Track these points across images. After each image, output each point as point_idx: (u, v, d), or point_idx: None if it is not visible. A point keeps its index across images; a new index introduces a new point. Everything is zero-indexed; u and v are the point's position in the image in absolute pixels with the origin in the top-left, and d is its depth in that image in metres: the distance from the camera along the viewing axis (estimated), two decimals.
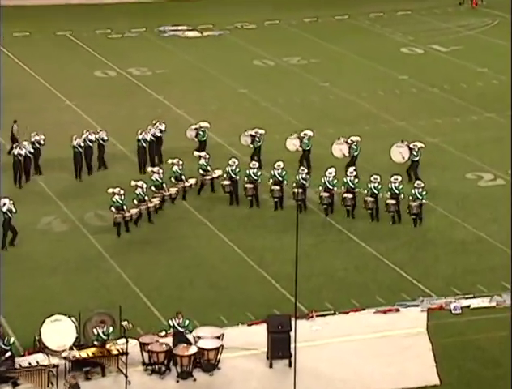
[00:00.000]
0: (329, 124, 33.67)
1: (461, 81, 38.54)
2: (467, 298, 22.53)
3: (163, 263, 24.36)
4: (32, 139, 29.10)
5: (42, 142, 29.17)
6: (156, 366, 19.74)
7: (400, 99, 36.74)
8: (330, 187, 26.47)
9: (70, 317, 20.20)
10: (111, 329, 19.85)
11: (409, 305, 22.29)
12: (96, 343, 19.73)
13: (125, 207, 25.37)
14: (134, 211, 25.68)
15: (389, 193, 26.24)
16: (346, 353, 20.45)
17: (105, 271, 23.88)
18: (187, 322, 20.32)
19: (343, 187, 26.47)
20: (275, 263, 24.23)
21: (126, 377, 19.40)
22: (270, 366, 20.06)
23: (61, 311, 20.47)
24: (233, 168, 27.11)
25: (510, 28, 43.73)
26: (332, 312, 21.97)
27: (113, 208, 25.37)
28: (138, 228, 25.96)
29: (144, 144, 29.11)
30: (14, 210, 24.66)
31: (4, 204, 24.76)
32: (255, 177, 26.96)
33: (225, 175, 27.29)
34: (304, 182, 26.69)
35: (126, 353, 19.53)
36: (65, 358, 19.44)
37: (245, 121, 33.75)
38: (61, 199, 27.69)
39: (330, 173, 26.62)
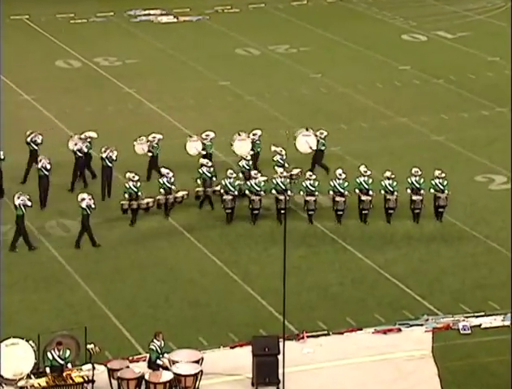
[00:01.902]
0: (321, 120, 33.68)
1: (469, 71, 38.70)
2: (477, 316, 22.55)
3: (134, 278, 24.27)
4: None
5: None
6: None
7: (401, 92, 36.85)
8: (342, 190, 26.55)
9: (28, 340, 20.04)
10: (68, 352, 19.68)
11: (412, 325, 22.30)
12: (47, 370, 19.48)
13: (140, 195, 26.43)
14: (146, 200, 26.51)
15: (408, 189, 26.59)
16: (341, 379, 20.42)
17: (69, 288, 23.75)
18: (163, 344, 20.26)
19: (356, 190, 26.63)
20: (262, 278, 24.19)
21: None
22: None
23: (17, 334, 20.29)
24: (231, 180, 26.73)
25: (510, 18, 44.03)
26: (325, 332, 21.95)
27: (126, 195, 26.33)
28: (105, 240, 25.87)
29: (80, 154, 28.46)
30: (93, 206, 25.24)
31: (83, 199, 25.16)
32: (258, 188, 26.68)
33: (221, 189, 26.72)
34: (313, 189, 26.63)
35: (92, 381, 19.43)
36: (21, 388, 19.29)
37: (228, 117, 33.79)
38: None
39: (341, 175, 26.73)
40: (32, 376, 19.60)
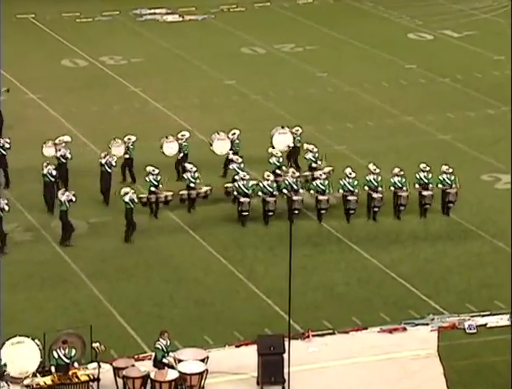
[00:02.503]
0: (327, 119, 33.73)
1: (475, 70, 38.66)
2: (483, 316, 22.54)
3: (139, 277, 24.30)
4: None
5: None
6: None
7: (407, 91, 36.83)
8: (352, 189, 26.69)
9: (33, 339, 20.08)
10: (74, 351, 19.73)
11: (418, 324, 22.30)
12: (53, 369, 19.50)
13: (161, 187, 26.85)
14: (165, 194, 26.77)
15: (417, 184, 26.90)
16: (347, 378, 20.42)
17: (74, 286, 23.78)
18: (168, 343, 20.29)
19: (366, 187, 26.80)
20: (267, 277, 24.20)
21: None
22: None
23: (23, 332, 20.32)
24: (245, 182, 26.62)
25: (510, 20, 43.99)
26: (331, 331, 21.96)
27: (152, 188, 26.75)
28: (110, 239, 25.91)
29: (64, 160, 28.03)
30: (136, 200, 25.46)
31: (126, 194, 25.36)
32: (271, 189, 26.63)
33: (234, 191, 26.67)
34: (323, 188, 26.71)
35: (98, 379, 19.46)
36: (27, 386, 19.33)
37: (233, 116, 33.81)
38: (23, 204, 27.55)
39: (351, 174, 26.88)
40: (38, 374, 19.65)
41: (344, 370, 20.66)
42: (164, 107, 34.83)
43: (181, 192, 27.13)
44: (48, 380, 19.41)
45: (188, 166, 27.46)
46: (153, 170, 27.03)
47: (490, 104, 35.28)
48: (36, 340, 20.08)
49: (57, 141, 28.75)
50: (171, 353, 20.12)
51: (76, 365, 19.68)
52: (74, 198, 25.40)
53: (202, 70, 38.72)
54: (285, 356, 19.70)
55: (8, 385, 19.33)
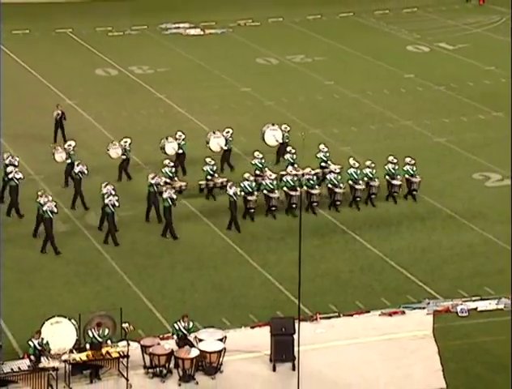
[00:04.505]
0: (334, 123, 33.68)
1: (468, 79, 38.54)
2: (474, 300, 22.52)
3: (164, 265, 24.38)
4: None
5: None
6: (158, 369, 19.76)
7: (406, 98, 36.74)
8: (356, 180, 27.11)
9: (70, 319, 20.21)
10: (106, 331, 19.83)
11: (415, 308, 22.29)
12: (87, 346, 19.65)
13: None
14: (220, 180, 27.18)
15: (387, 176, 27.49)
16: (351, 357, 20.45)
17: (106, 273, 23.90)
18: (191, 325, 20.32)
19: (365, 178, 27.21)
20: (279, 265, 24.24)
21: (127, 380, 19.43)
22: (274, 370, 20.06)
23: (61, 313, 20.47)
24: (271, 181, 26.60)
25: (510, 28, 43.76)
26: (337, 314, 21.98)
27: (208, 177, 27.30)
28: (138, 230, 25.97)
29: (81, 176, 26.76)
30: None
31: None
32: (292, 184, 26.56)
33: (263, 190, 26.44)
34: (336, 182, 26.89)
35: (127, 356, 19.55)
36: (65, 361, 19.45)
37: (249, 120, 33.80)
38: (61, 198, 27.67)
39: (353, 166, 27.21)
40: (74, 351, 19.76)
41: (348, 349, 20.68)
42: (187, 112, 34.85)
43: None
44: (83, 356, 19.53)
45: (257, 155, 27.55)
46: (209, 161, 27.37)
47: (481, 110, 35.15)
48: (73, 320, 20.19)
49: (66, 146, 27.96)
50: (185, 332, 20.15)
51: (108, 343, 19.78)
52: (175, 196, 25.49)
53: (220, 78, 38.73)
54: (295, 336, 19.75)
55: (48, 360, 19.45)
